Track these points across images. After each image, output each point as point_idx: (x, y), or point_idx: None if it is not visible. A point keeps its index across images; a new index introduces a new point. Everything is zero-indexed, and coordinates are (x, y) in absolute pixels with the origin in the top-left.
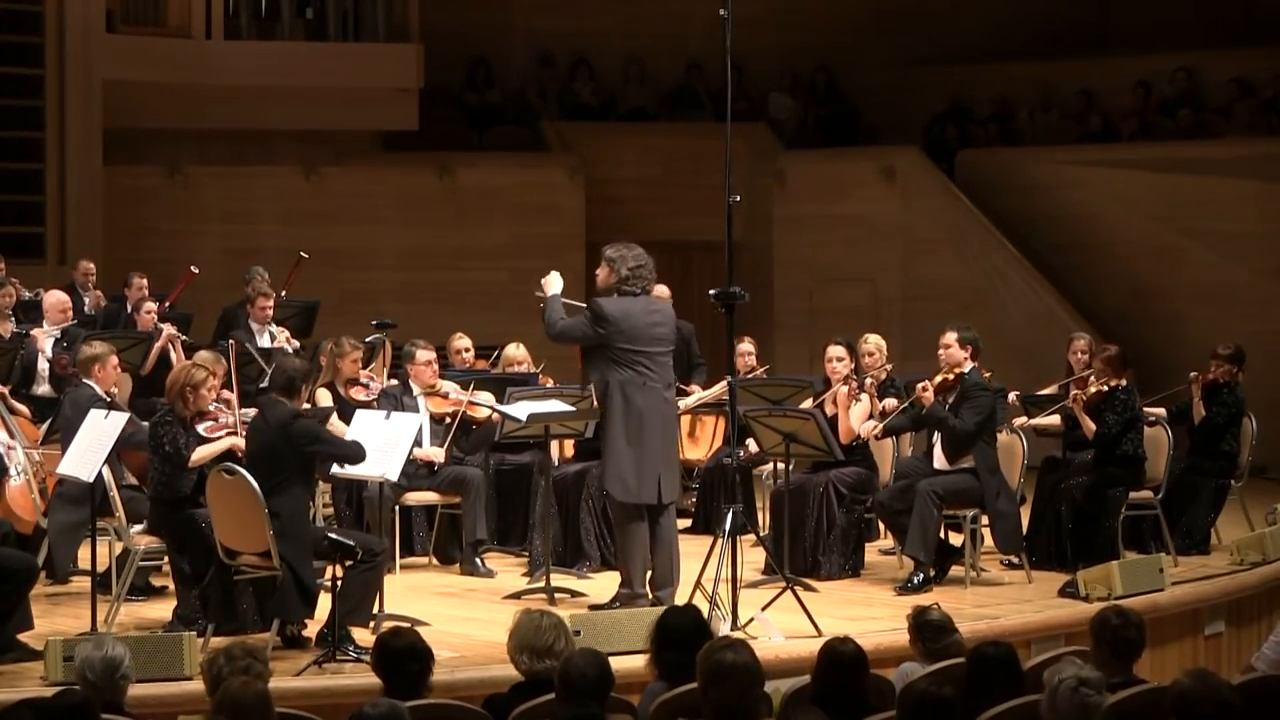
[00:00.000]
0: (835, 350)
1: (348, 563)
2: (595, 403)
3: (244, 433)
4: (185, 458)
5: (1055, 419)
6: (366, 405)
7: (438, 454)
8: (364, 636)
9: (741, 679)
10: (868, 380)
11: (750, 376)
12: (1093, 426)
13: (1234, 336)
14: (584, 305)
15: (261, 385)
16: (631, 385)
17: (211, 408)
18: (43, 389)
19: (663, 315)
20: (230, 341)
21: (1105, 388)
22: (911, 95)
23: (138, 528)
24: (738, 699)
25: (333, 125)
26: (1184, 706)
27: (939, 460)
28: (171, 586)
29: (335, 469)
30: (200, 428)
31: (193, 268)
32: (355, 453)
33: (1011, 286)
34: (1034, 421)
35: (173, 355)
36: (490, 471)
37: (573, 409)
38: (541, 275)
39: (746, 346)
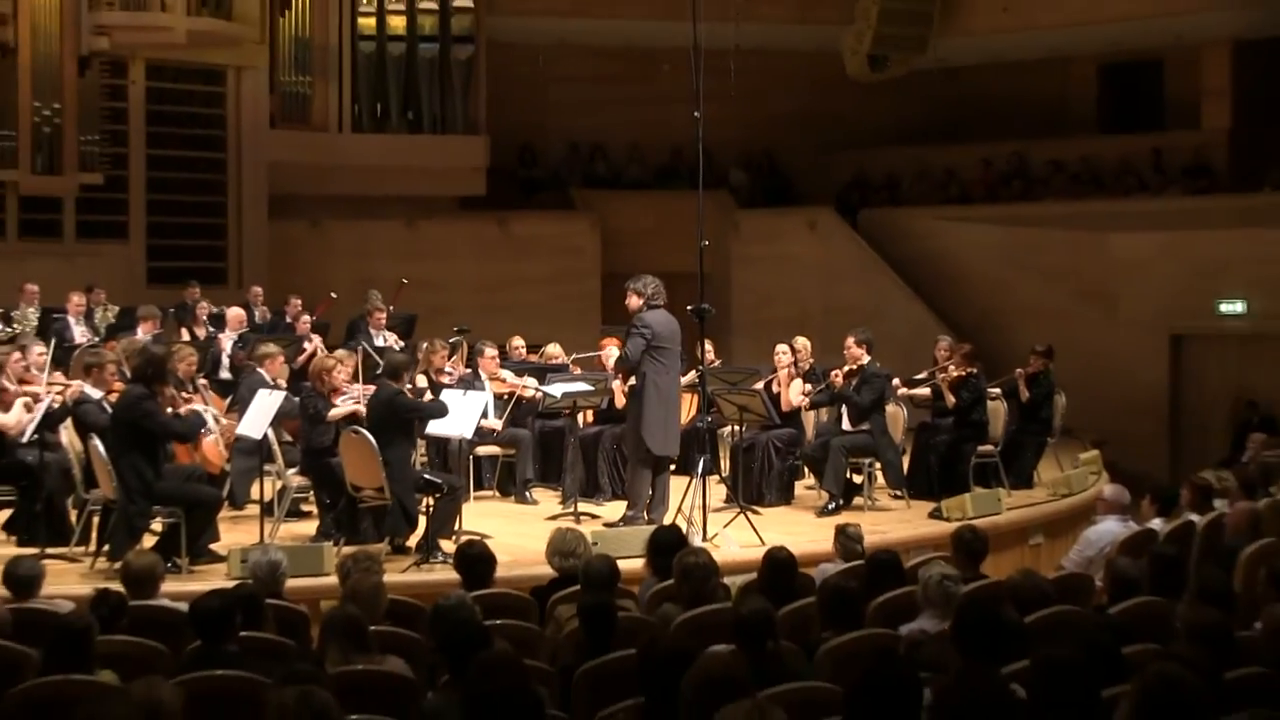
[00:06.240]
0: (781, 348)
1: (437, 495)
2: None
3: (365, 403)
4: (324, 416)
5: (926, 391)
6: (450, 387)
7: (496, 425)
8: (448, 546)
9: (702, 574)
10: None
11: (712, 366)
12: (953, 400)
13: (1049, 340)
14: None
15: (377, 373)
16: (658, 372)
17: (343, 386)
18: (224, 375)
19: (676, 324)
20: (360, 346)
21: (964, 373)
22: (828, 171)
23: (292, 470)
24: (700, 588)
25: (426, 192)
26: (1015, 593)
27: (846, 424)
28: (315, 511)
29: (429, 428)
30: (335, 401)
31: (332, 294)
32: (440, 410)
33: (896, 305)
34: (910, 391)
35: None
36: (535, 431)
37: (594, 388)
38: (572, 297)
39: (707, 346)
